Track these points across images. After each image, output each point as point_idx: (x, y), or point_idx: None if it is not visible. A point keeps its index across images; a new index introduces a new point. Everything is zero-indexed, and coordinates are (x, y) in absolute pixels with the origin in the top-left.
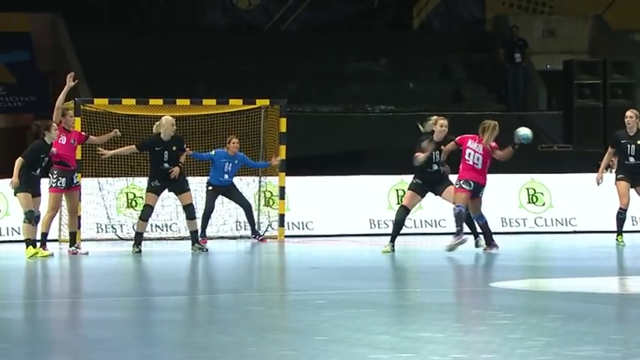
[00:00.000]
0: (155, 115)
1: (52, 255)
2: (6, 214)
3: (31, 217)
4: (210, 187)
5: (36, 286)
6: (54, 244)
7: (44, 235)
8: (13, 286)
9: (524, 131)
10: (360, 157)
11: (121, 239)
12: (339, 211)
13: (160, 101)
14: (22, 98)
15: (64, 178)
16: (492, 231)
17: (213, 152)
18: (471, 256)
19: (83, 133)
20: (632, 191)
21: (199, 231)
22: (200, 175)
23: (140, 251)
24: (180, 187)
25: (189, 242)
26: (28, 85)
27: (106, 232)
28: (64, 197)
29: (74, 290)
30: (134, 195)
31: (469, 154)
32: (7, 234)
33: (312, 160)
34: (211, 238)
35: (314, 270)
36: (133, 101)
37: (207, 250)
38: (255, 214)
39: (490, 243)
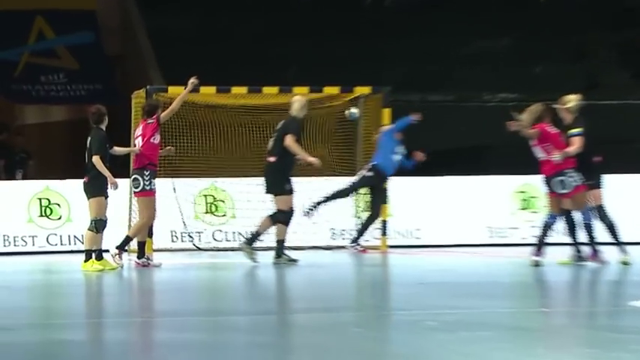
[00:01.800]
0: (239, 104)
1: (121, 267)
2: (67, 220)
3: (101, 227)
4: (371, 173)
5: (102, 304)
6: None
7: (141, 244)
8: (76, 303)
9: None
10: (477, 154)
11: (199, 249)
12: (451, 217)
13: (243, 89)
14: (86, 86)
15: (155, 180)
16: (634, 242)
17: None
18: (604, 270)
19: None
20: None
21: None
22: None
23: (292, 260)
24: None
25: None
26: (92, 70)
27: (182, 241)
28: (135, 202)
29: (145, 308)
30: (214, 198)
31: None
32: (69, 243)
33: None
34: (302, 248)
35: (422, 286)
36: (212, 89)
37: (296, 261)
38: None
39: (595, 251)
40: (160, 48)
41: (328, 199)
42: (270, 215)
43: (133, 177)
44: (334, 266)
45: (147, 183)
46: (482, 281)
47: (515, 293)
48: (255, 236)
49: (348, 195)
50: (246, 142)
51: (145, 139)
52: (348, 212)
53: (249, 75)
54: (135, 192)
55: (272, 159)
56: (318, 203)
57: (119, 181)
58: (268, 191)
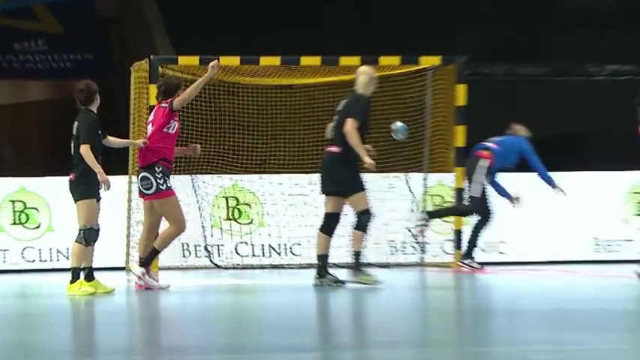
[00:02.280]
0: (270, 81)
1: (159, 287)
2: (48, 230)
3: (92, 238)
4: (487, 179)
5: (93, 338)
6: (117, 275)
7: (155, 253)
8: (61, 337)
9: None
10: (579, 143)
11: (218, 267)
12: (545, 226)
13: (276, 60)
14: (73, 56)
15: (168, 178)
16: None
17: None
18: None
19: None
20: None
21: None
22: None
23: (339, 281)
24: None
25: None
26: (81, 36)
27: (196, 256)
28: (142, 208)
29: (150, 343)
30: (237, 201)
31: None
32: (51, 259)
33: None
34: (343, 266)
35: (509, 314)
36: (236, 60)
37: (344, 282)
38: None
39: None
40: (167, 8)
41: (446, 212)
42: (356, 225)
43: (141, 176)
44: (393, 289)
45: (161, 182)
46: (587, 309)
47: (631, 325)
48: (358, 256)
49: (471, 213)
50: (281, 127)
51: (156, 128)
52: (410, 220)
53: (281, 42)
54: (146, 195)
55: (335, 149)
56: (431, 215)
57: (114, 179)
58: (329, 191)
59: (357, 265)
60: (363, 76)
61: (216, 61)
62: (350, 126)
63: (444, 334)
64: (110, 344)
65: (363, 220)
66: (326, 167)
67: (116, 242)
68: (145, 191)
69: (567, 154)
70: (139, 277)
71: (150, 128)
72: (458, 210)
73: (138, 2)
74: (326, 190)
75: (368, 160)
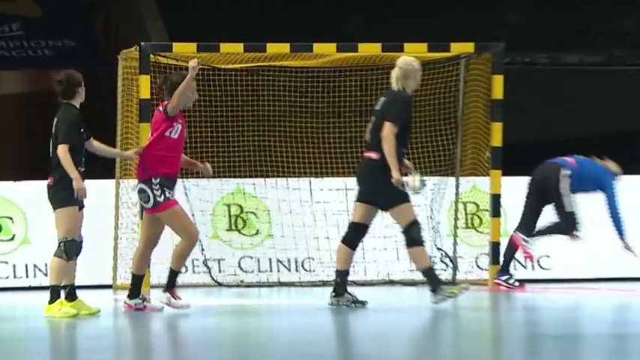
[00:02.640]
0: (282, 66)
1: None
2: (24, 242)
3: (73, 251)
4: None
5: None
6: (103, 294)
7: (137, 279)
8: None
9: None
10: (634, 141)
11: (218, 285)
12: (596, 237)
13: (285, 46)
14: (52, 42)
15: (172, 188)
16: None
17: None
18: None
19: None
20: None
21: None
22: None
23: (358, 302)
24: None
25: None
26: (61, 20)
27: (194, 272)
28: (137, 220)
29: None
30: (241, 209)
31: None
32: (27, 275)
33: (547, 148)
34: (372, 284)
35: (556, 340)
36: (239, 47)
37: (364, 303)
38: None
39: None
40: None
41: (547, 231)
42: (408, 242)
43: (138, 188)
44: (421, 311)
45: (158, 194)
46: None
47: None
48: (431, 273)
49: (571, 231)
50: (297, 121)
51: (156, 134)
52: (441, 232)
53: (291, 26)
54: (146, 209)
55: (373, 155)
56: (531, 234)
57: (101, 184)
58: (366, 200)
59: (435, 283)
60: (397, 70)
61: (195, 59)
62: (387, 131)
63: None
64: None
65: (414, 233)
66: (363, 175)
67: (102, 256)
68: (143, 205)
69: (620, 154)
70: (167, 304)
71: (149, 134)
72: (557, 229)
73: None
74: (363, 198)
75: (397, 175)
